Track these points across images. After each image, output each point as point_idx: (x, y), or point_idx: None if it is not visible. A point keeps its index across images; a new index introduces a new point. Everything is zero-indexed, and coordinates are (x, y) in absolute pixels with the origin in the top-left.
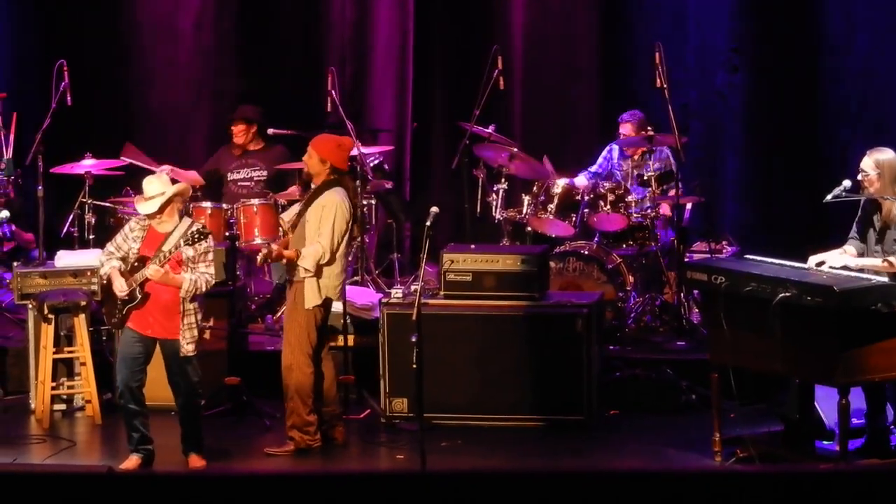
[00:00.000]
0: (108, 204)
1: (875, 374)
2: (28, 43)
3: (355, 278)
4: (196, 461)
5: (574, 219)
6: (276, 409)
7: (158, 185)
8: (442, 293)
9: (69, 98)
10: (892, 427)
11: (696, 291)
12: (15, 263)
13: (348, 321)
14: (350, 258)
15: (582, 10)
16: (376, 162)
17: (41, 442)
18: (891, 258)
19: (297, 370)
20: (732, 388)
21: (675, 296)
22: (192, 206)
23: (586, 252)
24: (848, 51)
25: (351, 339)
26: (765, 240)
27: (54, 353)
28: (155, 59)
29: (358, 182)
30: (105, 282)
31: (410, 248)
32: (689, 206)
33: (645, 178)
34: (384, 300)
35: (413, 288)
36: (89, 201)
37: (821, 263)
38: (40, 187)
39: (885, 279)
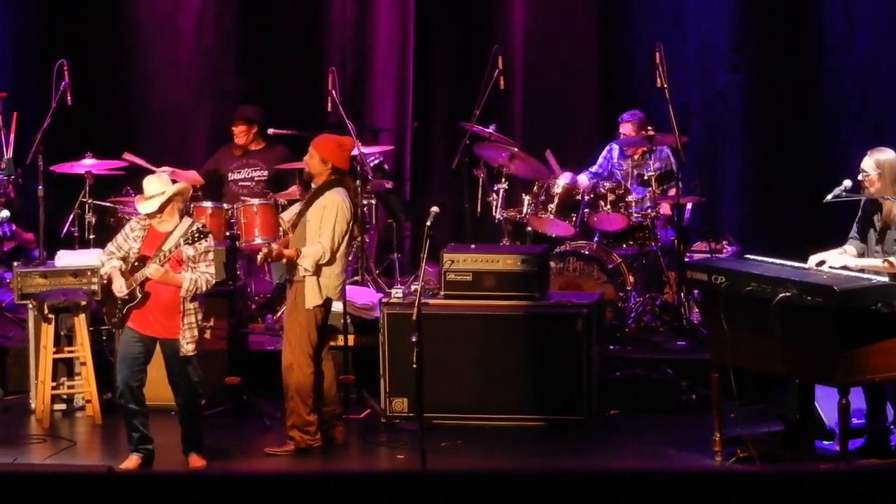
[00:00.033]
0: (108, 204)
1: (875, 374)
2: (28, 43)
3: (355, 278)
4: (196, 461)
5: (574, 219)
6: (276, 409)
7: (158, 185)
8: (442, 293)
9: (69, 98)
10: (893, 427)
11: (696, 291)
12: (15, 263)
13: (348, 321)
14: (350, 258)
15: (582, 10)
16: (376, 162)
17: (41, 442)
18: (891, 258)
19: (298, 370)
20: (732, 388)
21: (676, 296)
22: (192, 205)
23: (586, 252)
24: (848, 51)
25: (351, 339)
26: (765, 240)
27: (54, 352)
28: (155, 59)
29: (358, 182)
30: (105, 281)
31: (411, 248)
32: (689, 205)
33: (645, 177)
34: (384, 300)
35: (413, 288)
36: (89, 201)
37: (821, 263)
38: (40, 187)
39: (886, 279)
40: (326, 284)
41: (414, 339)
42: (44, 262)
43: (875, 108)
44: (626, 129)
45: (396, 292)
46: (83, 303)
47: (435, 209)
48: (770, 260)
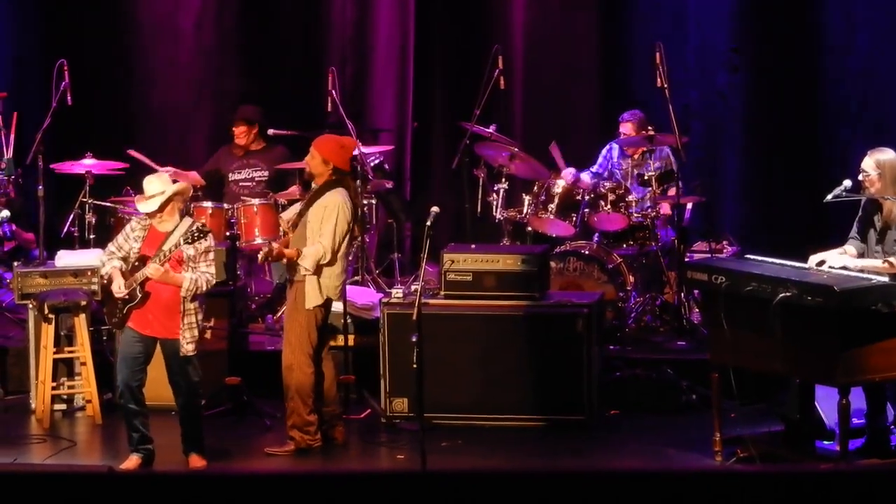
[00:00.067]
0: (108, 204)
1: (875, 374)
2: (28, 43)
3: (356, 278)
4: (196, 461)
5: (574, 218)
6: (276, 409)
7: (158, 185)
8: (442, 293)
9: (69, 98)
10: (893, 427)
11: (696, 291)
12: (15, 263)
13: (349, 321)
14: (350, 258)
15: (582, 10)
16: (377, 162)
17: (41, 442)
18: (891, 259)
19: (298, 370)
20: (733, 388)
21: (676, 296)
22: (192, 205)
23: (587, 252)
24: (848, 51)
25: (351, 339)
26: (765, 239)
27: (55, 352)
28: (155, 59)
29: (358, 182)
30: (106, 282)
31: (411, 248)
32: (689, 205)
33: (645, 177)
34: (384, 300)
35: (413, 288)
36: (90, 201)
37: (821, 263)
38: (41, 187)
39: (886, 279)
40: (327, 284)
41: (414, 339)
42: (44, 262)
43: (875, 108)
44: (627, 128)
45: (397, 292)
46: (83, 303)
47: (435, 209)
48: (770, 260)
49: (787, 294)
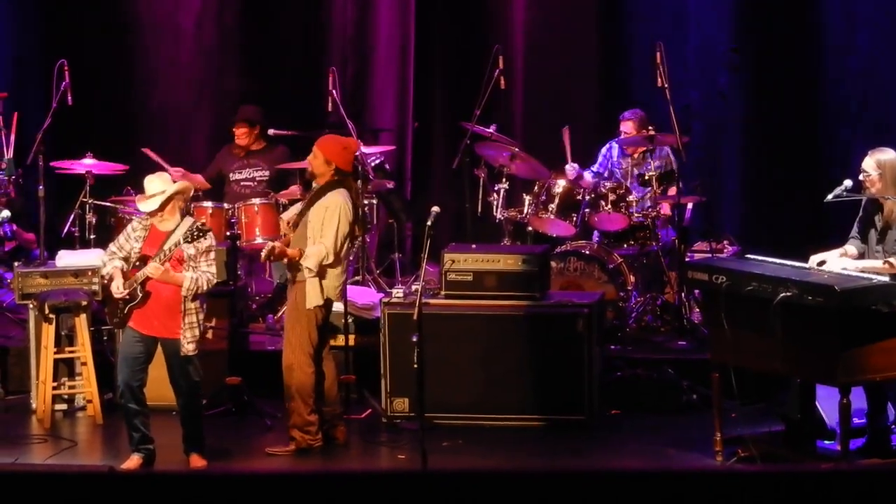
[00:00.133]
0: (108, 203)
1: (876, 374)
2: (29, 43)
3: (356, 278)
4: (197, 461)
5: (575, 218)
6: (277, 409)
7: (159, 184)
8: (443, 293)
9: (70, 98)
10: (893, 427)
11: (697, 291)
12: (16, 263)
13: (349, 321)
14: (351, 258)
15: (582, 11)
16: (377, 162)
17: (42, 442)
18: (891, 259)
19: (298, 370)
20: (733, 388)
21: (677, 295)
22: (192, 205)
23: (587, 252)
24: (848, 51)
25: (352, 339)
26: (766, 239)
27: (55, 352)
28: (156, 59)
29: (359, 182)
30: (107, 282)
31: (411, 248)
32: (690, 205)
33: (646, 177)
34: (385, 300)
35: (414, 288)
36: (90, 201)
37: (822, 263)
38: (41, 187)
39: (886, 279)
40: (327, 285)
41: (415, 339)
42: (45, 262)
43: (875, 108)
44: (627, 127)
45: (397, 292)
46: (84, 303)
47: (436, 209)
48: (771, 260)
49: (788, 294)
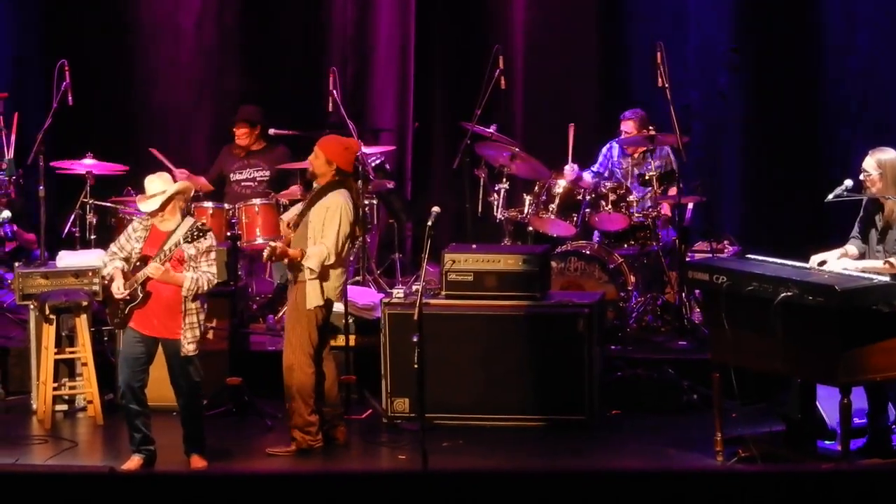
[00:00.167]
0: (109, 204)
1: (876, 374)
2: (29, 43)
3: (357, 278)
4: (198, 461)
5: (575, 218)
6: (277, 410)
7: (160, 184)
8: (443, 293)
9: (70, 98)
10: (894, 427)
11: (697, 291)
12: (17, 264)
13: (350, 321)
14: (352, 258)
15: (582, 10)
16: (378, 162)
17: (43, 442)
18: (892, 259)
19: (299, 370)
20: (734, 388)
21: (677, 295)
22: (193, 206)
23: (588, 252)
24: (848, 51)
25: (352, 339)
26: (766, 239)
27: (56, 353)
28: (156, 59)
29: (360, 182)
30: (108, 282)
31: (412, 248)
32: (690, 205)
33: (646, 177)
34: (386, 300)
35: (414, 288)
36: (91, 201)
37: (822, 263)
38: (42, 187)
39: (886, 279)
40: (327, 285)
41: (415, 340)
42: (45, 263)
43: (875, 108)
44: (628, 126)
45: (398, 292)
46: (84, 303)
47: (436, 209)
48: (771, 260)
49: (789, 294)
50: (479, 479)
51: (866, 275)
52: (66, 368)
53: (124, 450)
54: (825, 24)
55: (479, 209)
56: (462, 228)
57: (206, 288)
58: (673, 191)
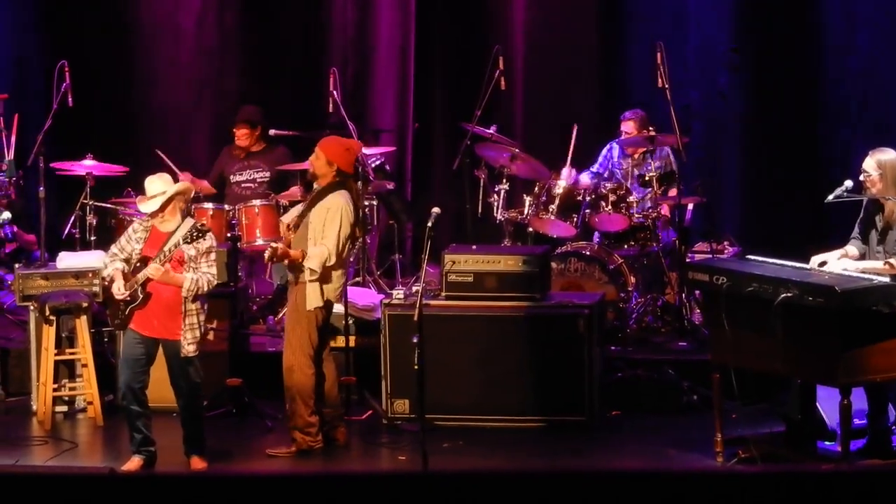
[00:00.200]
0: (109, 205)
1: (877, 375)
2: (29, 43)
3: (357, 279)
4: (198, 463)
5: (575, 219)
6: (277, 411)
7: (160, 185)
8: (443, 294)
9: (70, 99)
10: (894, 428)
11: (697, 292)
12: (17, 265)
13: (350, 322)
14: (352, 259)
15: (582, 11)
16: (378, 163)
17: (43, 443)
18: (892, 260)
19: (299, 371)
20: (734, 389)
21: (677, 296)
22: (193, 207)
23: (588, 252)
24: (848, 51)
25: (352, 340)
26: (766, 240)
27: (56, 354)
28: (156, 59)
29: (360, 183)
30: (108, 283)
31: (412, 249)
32: (690, 206)
33: (646, 178)
34: (386, 301)
35: (414, 289)
36: (91, 202)
37: (823, 264)
38: (42, 188)
39: (887, 280)
40: (327, 286)
41: (415, 340)
42: (45, 264)
43: (875, 108)
44: (628, 126)
45: (398, 293)
46: (84, 304)
47: (436, 210)
48: (771, 260)
49: (789, 294)
50: (480, 480)
51: (866, 275)
52: (66, 369)
53: (124, 451)
54: (825, 24)
55: (479, 210)
56: (462, 229)
57: (206, 289)
58: (673, 191)
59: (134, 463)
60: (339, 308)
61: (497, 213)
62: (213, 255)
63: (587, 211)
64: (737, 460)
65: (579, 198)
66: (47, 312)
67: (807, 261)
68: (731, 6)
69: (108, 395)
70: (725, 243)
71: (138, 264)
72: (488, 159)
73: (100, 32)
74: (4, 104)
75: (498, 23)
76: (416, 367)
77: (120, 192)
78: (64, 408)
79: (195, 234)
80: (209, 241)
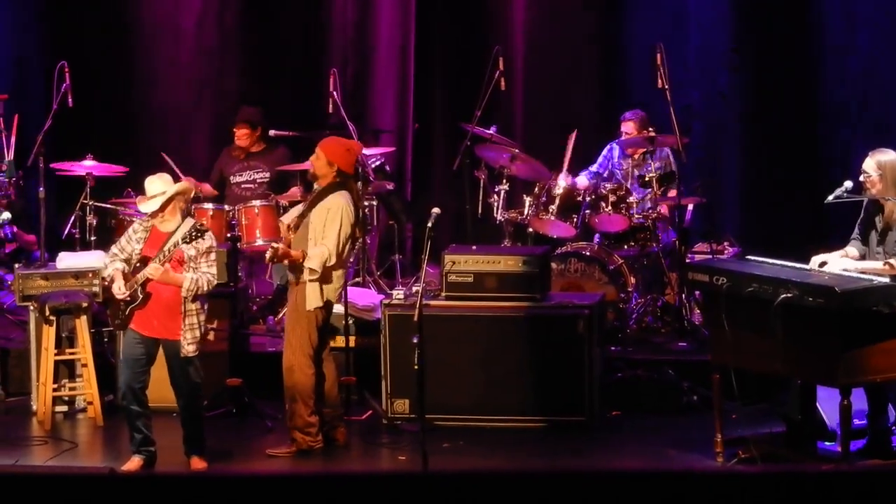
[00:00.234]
0: (109, 205)
1: (876, 375)
2: (29, 44)
3: (357, 279)
4: (198, 463)
5: (575, 220)
6: (277, 411)
7: (160, 185)
8: (443, 294)
9: (70, 99)
10: (894, 428)
11: (697, 292)
12: (17, 265)
13: (350, 322)
14: (352, 259)
15: (582, 11)
16: (378, 163)
17: (43, 443)
18: (892, 261)
19: (299, 371)
20: (734, 389)
21: (677, 297)
22: (193, 207)
23: (588, 253)
24: (848, 51)
25: (352, 340)
26: (766, 240)
27: (56, 354)
28: (156, 59)
29: (360, 183)
30: (108, 283)
31: (412, 250)
32: (690, 206)
33: (646, 178)
34: (386, 301)
35: (415, 289)
36: (91, 203)
37: (823, 264)
38: (42, 189)
39: (887, 280)
40: (327, 287)
41: (415, 341)
42: (45, 264)
43: (875, 109)
44: (628, 127)
45: (398, 293)
46: (84, 304)
47: (436, 210)
48: (771, 261)
49: (789, 295)
50: (480, 480)
51: (866, 276)
52: (66, 369)
53: (124, 451)
54: (825, 24)
55: (479, 210)
56: (462, 230)
57: (205, 288)
58: (673, 192)
59: (134, 463)
60: (339, 308)
61: (497, 213)
62: (212, 255)
63: (587, 211)
64: (737, 460)
65: (579, 198)
66: (47, 312)
67: (807, 261)
68: (731, 6)
69: (108, 395)
70: (725, 244)
71: (138, 264)
72: (488, 160)
73: (100, 32)
74: (4, 104)
75: (498, 23)
76: (416, 367)
77: (120, 192)
78: (64, 408)
79: (195, 233)
80: (209, 240)
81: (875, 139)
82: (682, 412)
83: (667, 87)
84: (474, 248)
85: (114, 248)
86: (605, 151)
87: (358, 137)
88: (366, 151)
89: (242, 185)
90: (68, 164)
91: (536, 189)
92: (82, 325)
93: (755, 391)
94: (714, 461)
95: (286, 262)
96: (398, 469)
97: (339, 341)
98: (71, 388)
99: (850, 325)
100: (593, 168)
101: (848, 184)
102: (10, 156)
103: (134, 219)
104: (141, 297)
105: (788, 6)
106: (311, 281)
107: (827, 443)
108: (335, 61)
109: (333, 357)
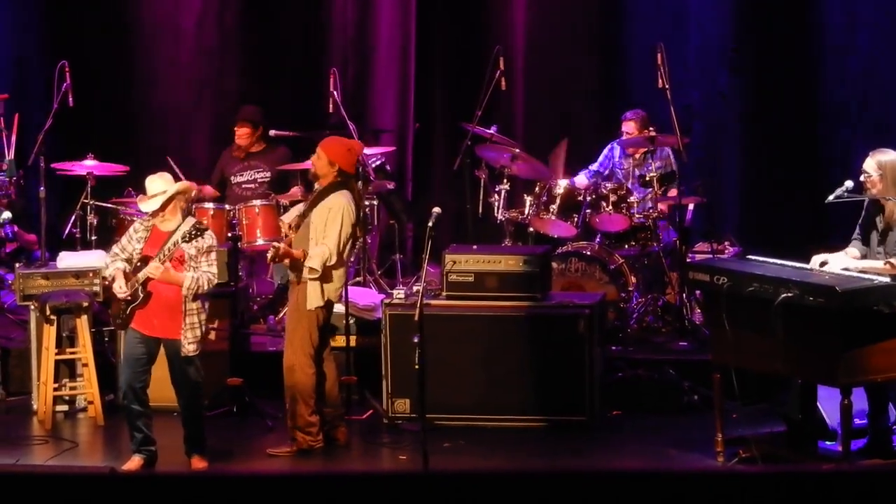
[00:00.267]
0: (109, 205)
1: (877, 375)
2: (29, 44)
3: (357, 279)
4: (198, 462)
5: (576, 219)
6: (278, 410)
7: (161, 184)
8: (444, 294)
9: (71, 99)
10: (895, 427)
11: (698, 292)
12: (17, 264)
13: (351, 321)
14: (352, 259)
15: (582, 10)
16: (378, 163)
17: (43, 443)
18: (892, 260)
19: (299, 371)
20: (735, 389)
21: (678, 296)
22: (194, 207)
23: (588, 252)
24: (848, 51)
25: (353, 340)
26: (767, 240)
27: (56, 354)
28: (156, 59)
29: (360, 183)
30: (109, 283)
31: (412, 249)
32: (691, 206)
33: (647, 178)
34: (386, 301)
35: (415, 288)
36: (91, 202)
37: (824, 263)
38: (42, 188)
39: (887, 280)
40: (328, 286)
41: (416, 340)
42: (46, 264)
43: (875, 109)
44: (629, 127)
45: (398, 293)
46: (85, 304)
47: (437, 210)
48: (772, 260)
49: (789, 295)
50: (480, 480)
51: (866, 276)
52: (66, 369)
53: (125, 450)
54: (825, 24)
55: (480, 210)
56: (463, 229)
57: (206, 287)
58: (673, 192)
59: (134, 462)
60: (339, 308)
61: (498, 213)
62: (213, 254)
63: (588, 211)
64: (737, 460)
65: (580, 198)
66: (48, 312)
67: (807, 261)
68: (731, 6)
69: (109, 394)
70: (726, 243)
71: (139, 264)
72: (489, 160)
73: (100, 32)
74: (4, 104)
75: (498, 23)
76: (416, 366)
77: (120, 191)
78: (64, 407)
79: (195, 232)
80: (209, 239)
81: (875, 139)
82: (682, 412)
83: (667, 87)
84: (475, 247)
85: (115, 248)
86: (605, 151)
87: (358, 137)
88: (366, 151)
89: (243, 185)
90: (69, 163)
91: (537, 189)
92: (83, 324)
93: (756, 391)
94: (714, 461)
95: (287, 261)
96: (399, 469)
97: (340, 341)
98: (71, 388)
99: (850, 325)
100: (593, 167)
101: (848, 183)
102: (10, 155)
103: (134, 218)
104: (142, 296)
105: (788, 6)
106: (311, 280)
107: (827, 442)
108: (335, 61)
109: (334, 356)
